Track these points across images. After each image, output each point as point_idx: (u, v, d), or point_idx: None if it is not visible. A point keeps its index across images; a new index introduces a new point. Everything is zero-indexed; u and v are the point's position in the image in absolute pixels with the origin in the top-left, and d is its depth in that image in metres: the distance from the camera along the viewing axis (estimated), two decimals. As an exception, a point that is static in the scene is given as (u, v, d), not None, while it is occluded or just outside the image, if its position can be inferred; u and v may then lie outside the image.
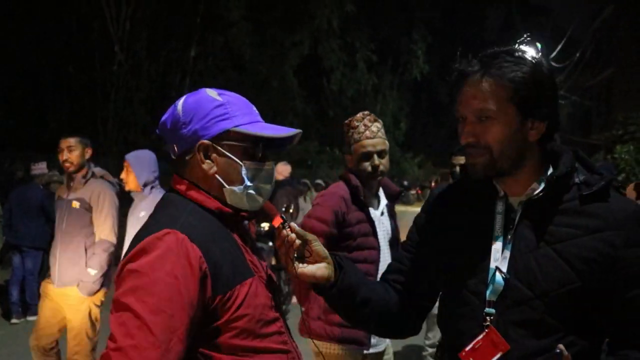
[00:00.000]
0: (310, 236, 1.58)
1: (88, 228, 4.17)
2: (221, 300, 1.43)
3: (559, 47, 20.76)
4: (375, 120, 3.07)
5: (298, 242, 1.55)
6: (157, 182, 4.22)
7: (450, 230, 1.63)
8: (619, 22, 22.56)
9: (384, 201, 3.20)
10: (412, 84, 27.31)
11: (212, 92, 1.58)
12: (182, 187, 1.58)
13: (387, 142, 3.08)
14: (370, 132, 3.02)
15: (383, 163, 3.03)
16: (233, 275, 1.47)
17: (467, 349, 1.43)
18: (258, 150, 1.58)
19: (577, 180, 1.49)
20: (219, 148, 1.54)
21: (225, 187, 1.56)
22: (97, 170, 4.39)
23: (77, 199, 4.15)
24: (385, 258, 3.07)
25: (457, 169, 4.66)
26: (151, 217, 1.56)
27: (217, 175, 1.55)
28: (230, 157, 1.54)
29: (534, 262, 1.46)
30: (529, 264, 1.46)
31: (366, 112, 3.12)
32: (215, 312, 1.44)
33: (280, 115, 22.10)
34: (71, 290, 4.09)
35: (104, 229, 4.17)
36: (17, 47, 16.18)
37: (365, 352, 3.07)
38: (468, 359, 1.43)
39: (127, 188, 4.19)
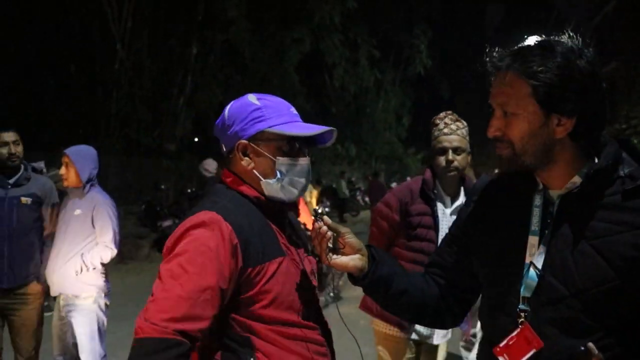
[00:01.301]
0: (342, 229, 1.69)
1: (39, 223, 4.22)
2: (251, 273, 1.65)
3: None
4: (457, 120, 3.16)
5: (330, 233, 1.66)
6: (96, 180, 4.11)
7: (490, 223, 1.61)
8: (621, 16, 22.48)
9: (460, 201, 3.21)
10: (414, 80, 27.25)
11: (252, 98, 1.80)
12: (229, 179, 1.83)
13: (466, 141, 3.15)
14: (449, 129, 3.12)
15: (458, 159, 3.10)
16: (263, 253, 1.68)
17: (502, 345, 1.41)
18: (293, 147, 1.78)
19: (622, 173, 1.42)
20: (255, 147, 1.76)
21: (261, 180, 1.77)
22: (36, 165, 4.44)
23: (27, 195, 4.13)
24: None
25: None
26: (200, 202, 1.77)
27: (254, 170, 1.78)
28: (265, 155, 1.76)
29: (570, 259, 1.41)
30: (566, 260, 1.41)
31: (449, 112, 3.22)
32: (246, 283, 1.65)
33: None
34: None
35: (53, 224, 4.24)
36: (17, 46, 16.19)
37: (421, 340, 3.19)
38: (502, 355, 1.41)
39: (66, 184, 4.05)
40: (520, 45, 1.46)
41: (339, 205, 20.91)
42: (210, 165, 8.82)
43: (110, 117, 17.30)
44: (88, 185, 4.03)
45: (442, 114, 3.21)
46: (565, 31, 1.51)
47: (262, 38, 20.58)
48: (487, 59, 1.49)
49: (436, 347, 3.27)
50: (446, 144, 3.10)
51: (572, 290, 1.38)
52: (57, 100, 17.50)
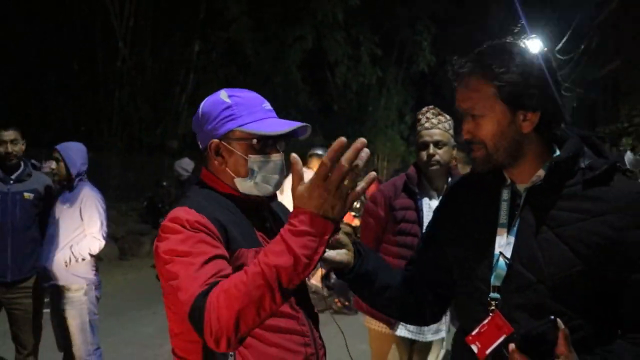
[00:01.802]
0: None
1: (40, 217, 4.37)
2: (231, 255, 1.65)
3: (564, 39, 20.65)
4: (439, 114, 3.20)
5: None
6: (85, 175, 4.26)
7: (461, 219, 1.70)
8: (625, 15, 22.43)
9: None
10: (417, 78, 27.21)
11: (224, 95, 1.81)
12: (204, 177, 1.87)
13: (449, 134, 3.18)
14: (430, 123, 3.16)
15: (439, 153, 3.14)
16: (239, 240, 1.69)
17: (474, 333, 1.46)
18: (266, 144, 1.78)
19: (582, 165, 1.52)
20: (227, 145, 1.78)
21: (235, 178, 1.80)
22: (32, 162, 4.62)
23: (29, 191, 4.27)
24: None
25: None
26: (175, 202, 1.78)
27: (227, 169, 1.80)
28: (236, 153, 1.77)
29: (536, 247, 1.49)
30: (532, 249, 1.49)
31: (430, 107, 3.27)
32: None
33: (284, 110, 22.10)
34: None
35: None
36: (19, 44, 16.20)
37: (413, 338, 3.21)
38: (474, 343, 1.46)
39: (56, 178, 4.28)
40: (476, 51, 1.55)
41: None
42: (188, 165, 8.63)
43: (113, 115, 17.32)
44: (77, 180, 4.19)
45: (424, 109, 3.24)
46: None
47: (264, 36, 20.57)
48: (448, 67, 1.58)
49: (430, 344, 3.28)
50: (427, 139, 3.14)
51: (539, 277, 1.47)
52: (59, 98, 17.51)
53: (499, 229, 1.57)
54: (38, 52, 16.77)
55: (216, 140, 1.79)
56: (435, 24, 25.43)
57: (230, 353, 1.65)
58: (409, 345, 3.25)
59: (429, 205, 3.20)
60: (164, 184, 14.23)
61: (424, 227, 3.09)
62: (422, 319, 1.93)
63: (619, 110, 16.02)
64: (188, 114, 18.78)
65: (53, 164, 4.22)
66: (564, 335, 1.31)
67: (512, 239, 1.54)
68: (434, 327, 3.19)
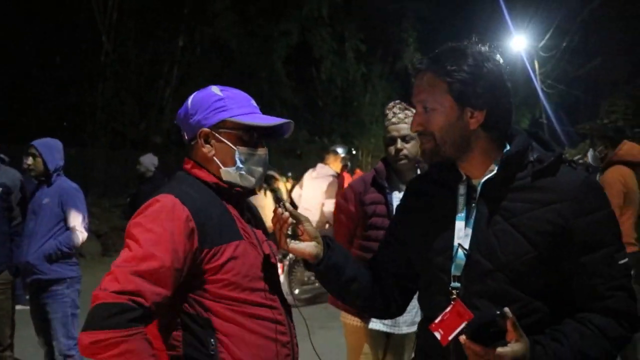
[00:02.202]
0: (302, 217, 1.81)
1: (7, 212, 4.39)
2: (207, 254, 1.72)
3: (547, 36, 20.84)
4: (406, 109, 3.20)
5: (291, 220, 1.77)
6: (62, 170, 4.30)
7: (421, 214, 1.79)
8: (606, 13, 22.66)
9: None
10: (402, 74, 27.31)
11: (215, 89, 1.89)
12: (188, 166, 1.90)
13: None
14: (397, 118, 3.18)
15: (407, 147, 3.16)
16: (220, 235, 1.75)
17: (437, 321, 1.53)
18: (252, 138, 1.86)
19: (531, 158, 1.61)
20: (217, 135, 1.84)
21: (221, 168, 1.85)
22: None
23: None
24: None
25: None
26: (161, 187, 1.83)
27: (215, 158, 1.85)
28: (225, 143, 1.83)
29: (493, 237, 1.58)
30: (489, 239, 1.59)
31: (397, 101, 3.29)
32: (203, 264, 1.72)
33: (268, 106, 22.07)
34: None
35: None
36: (1, 38, 16.01)
37: (387, 331, 3.22)
38: (437, 330, 1.53)
39: (33, 174, 4.27)
40: (437, 50, 1.65)
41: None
42: (154, 160, 8.26)
43: (97, 110, 17.20)
44: (55, 175, 4.22)
45: (391, 104, 3.29)
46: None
47: (248, 31, 20.53)
48: (409, 63, 1.65)
49: (405, 336, 3.28)
50: (394, 133, 3.16)
51: (496, 265, 1.56)
52: (42, 92, 17.35)
53: (457, 222, 1.66)
54: (20, 47, 16.60)
55: (207, 129, 1.84)
56: (421, 21, 25.50)
57: (212, 341, 1.71)
58: (384, 339, 3.26)
59: (399, 199, 3.19)
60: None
61: None
62: (388, 312, 1.99)
63: (600, 107, 16.23)
64: (172, 109, 18.69)
65: (30, 160, 4.22)
66: (511, 322, 1.39)
67: (469, 231, 1.63)
68: (408, 319, 3.20)
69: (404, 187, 3.23)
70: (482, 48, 1.64)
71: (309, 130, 27.11)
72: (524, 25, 20.35)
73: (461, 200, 1.68)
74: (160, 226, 1.66)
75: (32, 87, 17.29)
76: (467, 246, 1.62)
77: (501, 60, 1.65)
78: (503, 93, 1.62)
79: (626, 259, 1.58)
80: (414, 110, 3.19)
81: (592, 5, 24.11)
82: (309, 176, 7.52)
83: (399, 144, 3.14)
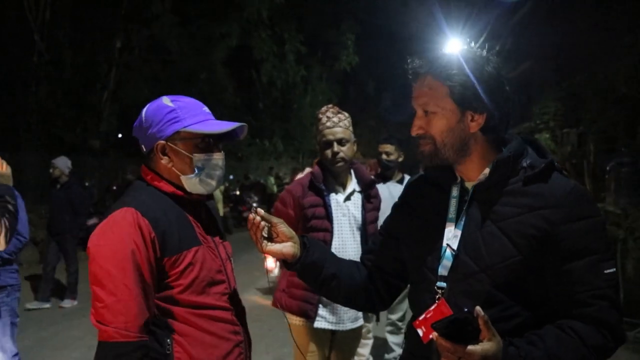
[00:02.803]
0: (275, 219, 1.85)
1: None
2: (169, 261, 1.80)
3: (481, 39, 21.45)
4: (339, 112, 3.31)
5: (263, 224, 1.82)
6: None
7: (415, 214, 1.83)
8: (536, 17, 23.51)
9: (351, 188, 3.39)
10: (341, 76, 27.48)
11: (166, 100, 1.93)
12: (147, 176, 1.95)
13: (350, 131, 3.29)
14: (331, 122, 3.26)
15: (343, 150, 3.25)
16: (179, 243, 1.83)
17: (420, 318, 1.55)
18: (208, 144, 1.92)
19: (524, 164, 1.64)
20: (173, 146, 1.89)
21: (181, 176, 1.92)
22: None
23: None
24: (346, 241, 3.29)
25: (384, 156, 4.95)
26: (121, 198, 1.90)
27: (173, 168, 1.91)
28: (182, 152, 1.89)
29: (480, 239, 1.61)
30: (477, 240, 1.62)
31: (330, 105, 3.39)
32: (165, 271, 1.81)
33: (209, 107, 21.74)
34: None
35: None
36: None
37: (332, 328, 3.31)
38: (420, 327, 1.55)
39: None
40: (436, 52, 1.68)
41: (267, 201, 20.93)
42: (67, 163, 7.89)
43: (31, 113, 16.61)
44: None
45: (323, 109, 3.37)
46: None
47: (188, 32, 20.29)
48: (408, 67, 1.69)
49: (350, 332, 3.38)
50: (330, 137, 3.25)
51: (481, 266, 1.59)
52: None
53: (447, 223, 1.69)
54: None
55: (162, 142, 1.89)
56: (359, 23, 25.77)
57: (168, 341, 1.80)
58: (330, 336, 3.37)
59: (337, 200, 3.34)
60: (87, 184, 13.78)
61: (334, 221, 3.27)
62: (371, 306, 2.03)
63: (531, 109, 16.82)
64: (110, 112, 18.28)
65: None
66: (483, 321, 1.41)
67: (459, 232, 1.66)
68: (352, 315, 3.33)
69: (339, 188, 3.36)
70: (482, 52, 1.67)
71: (251, 132, 27.01)
72: (459, 29, 20.87)
73: (453, 202, 1.71)
74: (122, 241, 1.73)
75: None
76: (455, 247, 1.65)
77: (499, 63, 1.68)
78: (502, 96, 1.65)
79: (613, 269, 1.58)
80: (346, 114, 3.32)
81: (524, 10, 25.02)
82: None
83: (335, 147, 3.23)
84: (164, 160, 1.91)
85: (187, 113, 1.91)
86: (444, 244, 1.68)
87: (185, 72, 20.62)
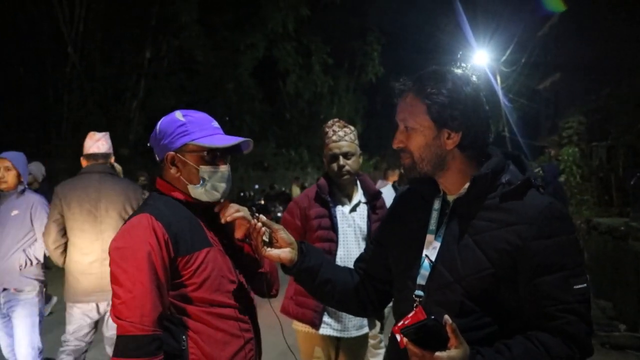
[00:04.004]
0: (276, 226, 1.96)
1: None
2: (182, 261, 1.93)
3: (508, 51, 21.37)
4: (345, 126, 3.37)
5: (264, 229, 1.93)
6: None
7: (401, 224, 1.90)
8: (565, 29, 23.31)
9: (357, 200, 3.46)
10: (368, 86, 27.57)
11: (179, 115, 2.07)
12: (161, 186, 2.10)
13: (355, 145, 3.37)
14: (337, 136, 3.33)
15: (349, 164, 3.32)
16: (191, 244, 1.96)
17: (399, 324, 1.60)
18: (214, 157, 2.04)
19: (503, 180, 1.69)
20: (181, 157, 2.03)
21: (188, 185, 2.05)
22: None
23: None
24: (351, 251, 3.35)
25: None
26: (139, 206, 2.07)
27: (181, 177, 2.05)
28: (189, 164, 2.02)
29: (456, 251, 1.68)
30: (453, 252, 1.68)
31: (336, 119, 3.45)
32: (178, 271, 1.94)
33: (236, 117, 22.05)
34: None
35: None
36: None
37: (337, 335, 3.38)
38: (398, 333, 1.60)
39: (4, 187, 4.21)
40: (419, 73, 1.74)
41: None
42: (41, 169, 6.76)
43: (62, 121, 17.01)
44: (23, 188, 4.25)
45: (330, 122, 3.44)
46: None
47: (214, 43, 20.57)
48: (394, 84, 1.77)
49: (355, 339, 3.45)
50: (336, 151, 3.31)
51: (455, 277, 1.66)
52: (5, 103, 17.09)
53: (428, 235, 1.76)
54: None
55: (172, 153, 2.03)
56: (385, 35, 25.86)
57: (183, 337, 1.93)
58: (335, 343, 3.45)
59: (342, 212, 3.42)
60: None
61: (339, 232, 3.35)
62: (363, 311, 2.12)
63: (557, 123, 16.72)
64: (139, 121, 18.60)
65: (0, 173, 4.17)
66: (451, 329, 1.47)
67: (437, 244, 1.72)
68: (357, 323, 3.39)
69: (345, 200, 3.44)
70: (462, 72, 1.73)
71: (278, 143, 27.20)
72: (486, 40, 20.83)
73: (434, 215, 1.77)
74: (142, 242, 1.87)
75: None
76: (433, 258, 1.71)
77: (479, 84, 1.74)
78: (480, 116, 1.70)
79: (584, 285, 1.61)
80: (352, 127, 3.40)
81: (552, 22, 24.83)
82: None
83: (341, 160, 3.30)
84: (173, 170, 2.05)
85: (196, 127, 2.03)
86: (424, 255, 1.74)
87: (211, 81, 20.90)
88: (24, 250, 4.17)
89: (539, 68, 23.98)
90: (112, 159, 4.52)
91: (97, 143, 4.28)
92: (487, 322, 1.64)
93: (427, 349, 1.48)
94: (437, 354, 1.47)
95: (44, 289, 4.37)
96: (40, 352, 4.25)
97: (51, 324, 5.90)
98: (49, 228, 4.09)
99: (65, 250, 4.13)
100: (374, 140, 30.55)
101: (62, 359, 4.06)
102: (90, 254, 4.06)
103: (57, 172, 15.43)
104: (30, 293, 4.21)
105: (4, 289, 4.18)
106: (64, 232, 4.11)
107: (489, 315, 1.64)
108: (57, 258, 4.16)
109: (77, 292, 4.05)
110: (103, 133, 4.34)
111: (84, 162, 4.32)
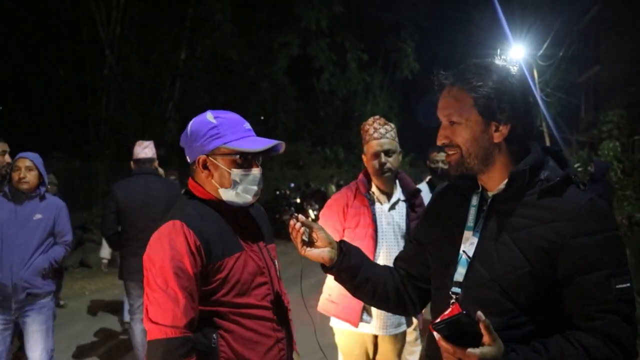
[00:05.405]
0: (315, 225, 1.95)
1: None
2: (213, 267, 1.95)
3: (545, 45, 20.96)
4: (385, 124, 3.39)
5: (303, 229, 1.92)
6: None
7: (439, 221, 1.87)
8: (605, 22, 22.79)
9: (396, 197, 3.45)
10: (402, 83, 27.37)
11: (210, 116, 2.05)
12: (192, 188, 2.11)
13: (396, 142, 3.37)
14: (378, 133, 3.34)
15: (390, 161, 3.33)
16: (222, 250, 1.98)
17: (435, 322, 1.56)
18: (246, 160, 2.04)
19: (542, 176, 1.66)
20: (213, 160, 2.03)
21: (219, 188, 2.05)
22: None
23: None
24: (391, 249, 3.35)
25: (440, 164, 5.00)
26: (171, 211, 2.06)
27: (213, 181, 2.05)
28: (221, 167, 2.02)
29: (493, 248, 1.65)
30: (490, 250, 1.65)
31: (376, 117, 3.46)
32: (210, 276, 1.95)
33: (270, 115, 22.14)
34: None
35: None
36: (5, 51, 16.18)
37: (375, 333, 3.39)
38: (433, 330, 1.57)
39: (26, 187, 4.05)
40: (461, 66, 1.71)
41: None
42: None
43: (100, 122, 17.34)
44: (43, 189, 4.16)
45: (370, 120, 3.44)
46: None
47: (248, 42, 20.69)
48: (434, 78, 1.74)
49: (393, 337, 3.46)
50: (378, 148, 3.32)
51: (492, 275, 1.63)
52: (46, 105, 17.51)
53: (465, 231, 1.74)
54: (24, 60, 16.77)
55: (204, 156, 2.03)
56: (419, 31, 25.64)
57: (214, 336, 1.95)
58: (374, 340, 3.46)
59: (382, 209, 3.41)
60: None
61: (379, 230, 3.34)
62: (403, 310, 2.09)
63: (597, 117, 16.33)
64: (175, 121, 18.83)
65: (22, 173, 4.02)
66: (484, 325, 1.44)
67: (475, 240, 1.70)
68: (395, 321, 3.41)
69: (385, 198, 3.41)
70: (505, 64, 1.70)
71: (313, 141, 27.22)
72: (523, 34, 20.45)
73: (472, 211, 1.76)
74: (172, 249, 1.90)
75: (33, 99, 17.44)
76: (471, 255, 1.69)
77: (523, 75, 1.70)
78: (525, 107, 1.68)
79: (627, 284, 1.57)
80: (392, 125, 3.37)
81: (590, 15, 24.28)
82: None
83: (383, 158, 3.31)
84: (204, 174, 2.05)
85: (228, 130, 2.02)
86: (461, 251, 1.72)
87: (246, 81, 21.02)
88: (47, 255, 4.14)
89: (577, 61, 23.47)
90: (156, 163, 5.24)
91: (145, 150, 5.05)
92: (524, 321, 1.60)
93: (460, 345, 1.45)
94: (469, 350, 1.44)
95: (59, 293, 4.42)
96: (52, 350, 4.24)
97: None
98: (107, 218, 4.85)
99: (119, 236, 4.88)
100: (409, 138, 30.37)
101: (136, 328, 4.86)
102: (140, 239, 4.44)
103: (98, 172, 15.78)
104: (47, 297, 4.17)
105: (27, 294, 4.05)
106: (117, 222, 4.85)
107: (526, 314, 1.60)
108: (111, 242, 5.09)
109: (132, 270, 4.76)
110: (149, 142, 5.17)
111: (133, 166, 5.10)
